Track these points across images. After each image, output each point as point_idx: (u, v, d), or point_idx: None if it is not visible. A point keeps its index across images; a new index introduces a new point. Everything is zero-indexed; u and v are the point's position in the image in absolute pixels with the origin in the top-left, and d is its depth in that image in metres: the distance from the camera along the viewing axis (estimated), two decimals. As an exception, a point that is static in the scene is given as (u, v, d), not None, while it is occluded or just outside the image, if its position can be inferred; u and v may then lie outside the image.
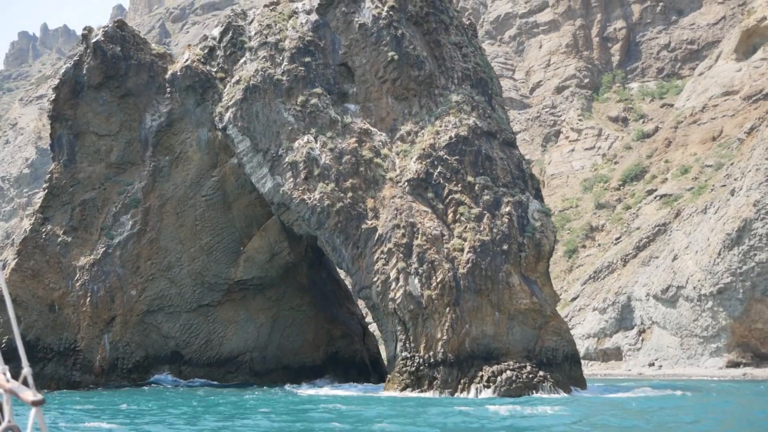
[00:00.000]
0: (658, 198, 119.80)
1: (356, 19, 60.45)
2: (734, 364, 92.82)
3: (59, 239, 57.75)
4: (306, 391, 54.27)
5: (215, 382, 59.59)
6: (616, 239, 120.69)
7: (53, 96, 61.22)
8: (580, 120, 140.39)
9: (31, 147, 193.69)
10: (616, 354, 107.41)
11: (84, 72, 60.76)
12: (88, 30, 61.60)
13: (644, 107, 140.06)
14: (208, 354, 60.39)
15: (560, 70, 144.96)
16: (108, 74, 60.67)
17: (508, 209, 55.35)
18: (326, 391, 54.41)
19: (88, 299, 56.83)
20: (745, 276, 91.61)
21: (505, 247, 54.07)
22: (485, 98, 60.33)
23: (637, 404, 42.90)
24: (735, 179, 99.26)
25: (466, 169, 56.19)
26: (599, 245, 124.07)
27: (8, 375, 5.20)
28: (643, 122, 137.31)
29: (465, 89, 59.73)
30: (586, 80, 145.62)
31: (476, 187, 55.74)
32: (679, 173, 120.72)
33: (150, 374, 58.35)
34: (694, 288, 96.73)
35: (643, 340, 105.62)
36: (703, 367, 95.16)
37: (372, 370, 65.19)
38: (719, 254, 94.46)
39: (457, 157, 56.33)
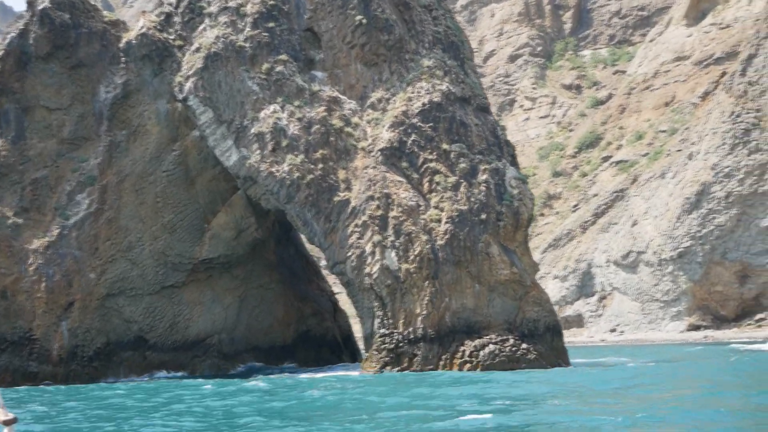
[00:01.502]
0: (614, 164, 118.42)
1: (321, -19, 56.35)
2: (695, 328, 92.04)
3: (9, 221, 52.84)
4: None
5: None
6: (574, 207, 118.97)
7: (-3, 68, 56.26)
8: (534, 88, 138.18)
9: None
10: (577, 321, 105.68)
11: (31, 42, 55.62)
12: (35, -4, 56.48)
13: (597, 74, 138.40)
14: (174, 338, 55.97)
15: (513, 39, 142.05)
16: (57, 44, 55.68)
17: (485, 177, 52.20)
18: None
19: (43, 284, 52.17)
20: (704, 239, 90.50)
21: (483, 216, 51.06)
22: (457, 63, 56.76)
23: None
24: (692, 143, 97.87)
25: (441, 136, 52.86)
26: (557, 213, 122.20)
27: None
28: (597, 89, 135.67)
29: (436, 54, 56.11)
30: (539, 48, 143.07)
31: (452, 155, 52.49)
32: (634, 139, 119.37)
33: (112, 361, 53.88)
34: (654, 253, 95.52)
35: (604, 306, 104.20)
36: (664, 332, 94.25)
37: (344, 348, 61.73)
38: (678, 218, 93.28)
39: (431, 125, 52.95)
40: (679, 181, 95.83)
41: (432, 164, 52.11)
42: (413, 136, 52.63)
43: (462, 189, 51.36)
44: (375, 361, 49.46)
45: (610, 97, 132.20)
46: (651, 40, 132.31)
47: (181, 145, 56.09)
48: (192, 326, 56.63)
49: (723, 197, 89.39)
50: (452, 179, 51.62)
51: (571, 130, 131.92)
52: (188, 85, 54.48)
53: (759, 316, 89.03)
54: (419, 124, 52.90)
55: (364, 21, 55.07)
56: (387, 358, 49.12)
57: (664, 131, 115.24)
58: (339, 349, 61.03)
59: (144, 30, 56.64)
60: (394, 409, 27.86)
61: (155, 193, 55.71)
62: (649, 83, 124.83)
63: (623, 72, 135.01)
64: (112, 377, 52.88)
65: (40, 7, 55.97)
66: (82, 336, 52.84)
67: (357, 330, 67.91)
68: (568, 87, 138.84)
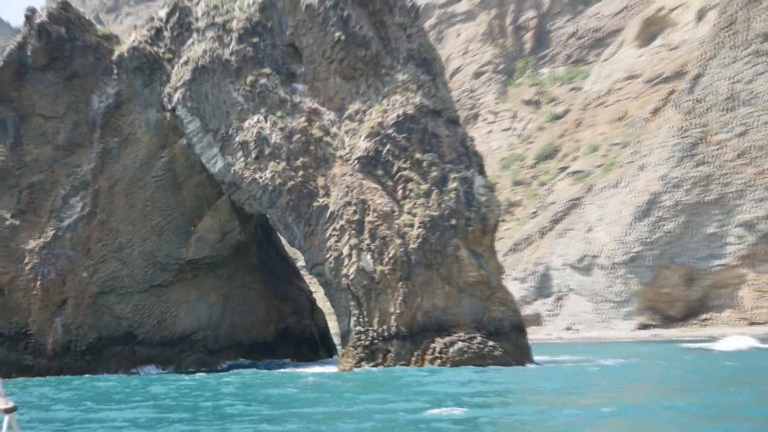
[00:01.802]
0: (570, 174, 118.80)
1: (303, 0, 55.99)
2: (644, 326, 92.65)
3: (7, 223, 52.15)
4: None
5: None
6: (533, 213, 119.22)
7: (-4, 78, 55.44)
8: (496, 103, 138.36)
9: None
10: (535, 320, 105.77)
11: (28, 53, 54.91)
12: (32, 11, 55.59)
13: (555, 91, 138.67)
14: (162, 334, 55.33)
15: (477, 57, 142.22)
16: (53, 55, 55.00)
17: (454, 185, 52.11)
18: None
19: (39, 282, 51.49)
20: (653, 245, 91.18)
21: (453, 221, 50.94)
22: (429, 77, 56.64)
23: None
24: (643, 156, 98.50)
25: (414, 146, 52.69)
26: (518, 219, 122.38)
27: None
28: (554, 105, 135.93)
29: (410, 69, 55.96)
30: (501, 66, 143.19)
31: (424, 164, 52.34)
32: (589, 151, 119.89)
33: (103, 356, 53.12)
34: (607, 257, 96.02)
35: (560, 306, 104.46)
36: (616, 330, 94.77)
37: (321, 345, 61.36)
38: (630, 225, 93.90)
39: (404, 135, 52.79)
40: (631, 190, 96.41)
41: (405, 172, 51.93)
42: (388, 146, 52.44)
43: (433, 196, 51.23)
44: (351, 356, 49.14)
45: (566, 112, 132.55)
46: (605, 60, 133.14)
47: (169, 152, 55.55)
48: (178, 323, 56.02)
49: (671, 206, 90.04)
50: (424, 187, 51.47)
51: (530, 143, 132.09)
52: (177, 95, 54.06)
53: (704, 316, 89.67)
54: (394, 134, 52.72)
55: (343, 37, 54.87)
56: (362, 354, 48.84)
57: (616, 144, 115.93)
58: (316, 345, 60.64)
59: (135, 43, 56.11)
60: (370, 403, 27.72)
61: (145, 198, 55.11)
62: (603, 100, 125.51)
63: (579, 89, 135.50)
64: (103, 371, 52.18)
65: (38, 21, 55.30)
66: (75, 331, 52.17)
67: (332, 327, 67.74)
68: (528, 102, 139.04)
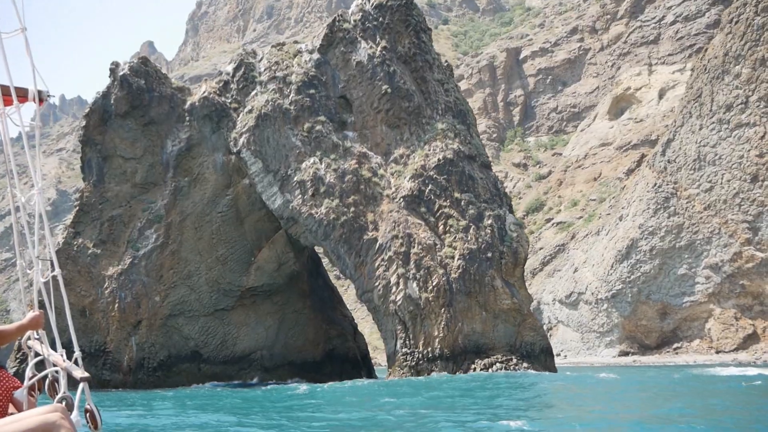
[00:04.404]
0: (555, 225, 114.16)
1: (353, 58, 51.50)
2: (624, 353, 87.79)
3: (89, 251, 46.87)
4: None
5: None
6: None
7: (84, 123, 50.42)
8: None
9: (53, 189, 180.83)
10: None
11: (112, 102, 50.14)
12: (116, 65, 50.87)
13: (540, 155, 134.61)
14: (224, 353, 49.68)
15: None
16: (133, 104, 50.23)
17: (489, 222, 47.29)
18: None
19: (117, 305, 46.09)
20: (632, 283, 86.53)
21: (489, 254, 46.08)
22: (465, 127, 52.06)
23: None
24: (622, 208, 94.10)
25: (453, 187, 47.94)
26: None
27: (64, 356, 4.90)
28: (539, 167, 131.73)
29: (448, 119, 51.36)
30: (495, 135, 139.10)
31: (462, 203, 47.54)
32: (570, 205, 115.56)
33: (172, 371, 47.31)
34: (592, 294, 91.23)
35: (551, 335, 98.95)
36: (600, 357, 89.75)
37: (363, 366, 55.64)
38: (612, 266, 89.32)
39: (445, 177, 48.06)
40: (612, 237, 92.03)
41: (446, 210, 47.15)
42: (430, 186, 47.72)
43: (471, 231, 46.41)
44: (398, 375, 43.86)
45: (550, 173, 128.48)
46: (581, 130, 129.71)
47: (233, 190, 50.54)
48: (239, 343, 50.37)
49: (648, 250, 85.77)
50: (463, 223, 46.67)
51: (520, 198, 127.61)
52: (242, 140, 49.31)
53: (676, 345, 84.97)
54: (435, 176, 48.03)
55: (389, 90, 50.33)
56: (408, 374, 43.58)
57: (593, 200, 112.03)
58: (359, 365, 54.91)
59: (206, 94, 51.45)
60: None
61: (211, 231, 49.93)
62: (581, 163, 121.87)
63: (560, 154, 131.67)
64: (172, 386, 46.35)
65: (121, 73, 50.59)
66: (148, 349, 46.53)
67: (371, 350, 62.04)
68: (518, 165, 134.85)
